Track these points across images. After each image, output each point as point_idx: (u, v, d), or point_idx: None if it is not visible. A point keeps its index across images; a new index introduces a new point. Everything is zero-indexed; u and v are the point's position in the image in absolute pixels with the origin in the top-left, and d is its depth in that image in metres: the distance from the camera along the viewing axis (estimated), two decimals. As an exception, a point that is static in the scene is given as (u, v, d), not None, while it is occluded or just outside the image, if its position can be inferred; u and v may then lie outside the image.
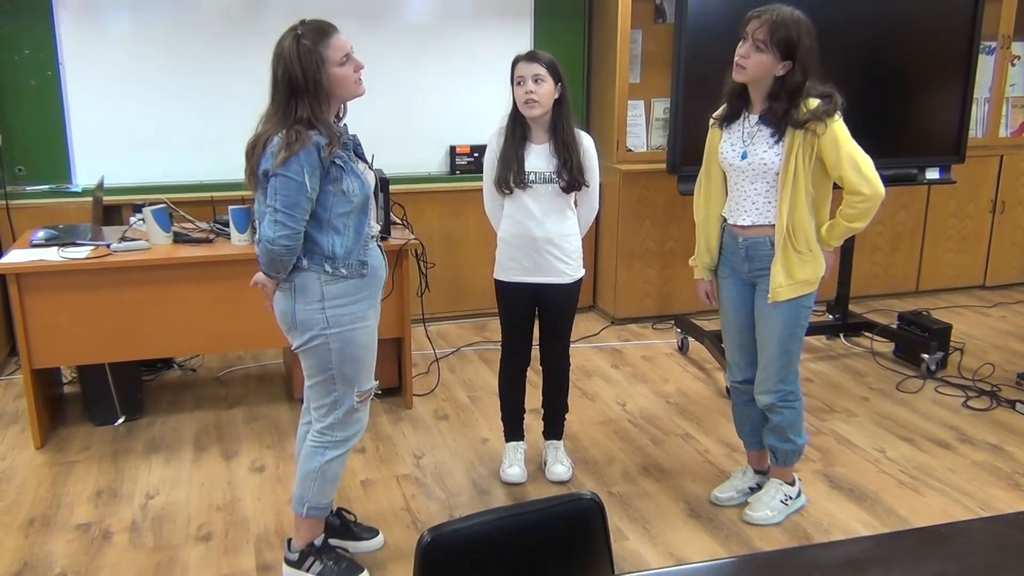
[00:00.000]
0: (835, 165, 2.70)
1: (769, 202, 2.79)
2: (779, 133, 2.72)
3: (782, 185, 2.73)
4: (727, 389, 4.00)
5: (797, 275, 2.78)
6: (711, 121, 2.95)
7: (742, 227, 2.86)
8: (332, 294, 2.47)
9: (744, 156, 2.79)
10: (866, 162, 2.70)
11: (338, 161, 2.39)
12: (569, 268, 3.12)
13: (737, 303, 2.97)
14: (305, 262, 2.45)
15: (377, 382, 2.69)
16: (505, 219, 3.13)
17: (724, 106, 2.89)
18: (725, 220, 2.93)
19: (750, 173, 2.80)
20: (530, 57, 2.94)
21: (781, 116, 2.70)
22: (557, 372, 3.29)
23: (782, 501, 3.05)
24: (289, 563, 2.69)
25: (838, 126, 2.68)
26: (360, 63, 2.44)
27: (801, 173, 2.71)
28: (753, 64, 2.68)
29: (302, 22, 2.38)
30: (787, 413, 2.94)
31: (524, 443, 3.39)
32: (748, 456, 3.22)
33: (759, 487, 3.14)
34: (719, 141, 2.89)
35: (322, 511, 2.66)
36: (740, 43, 2.70)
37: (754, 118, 2.79)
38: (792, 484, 3.09)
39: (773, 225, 2.79)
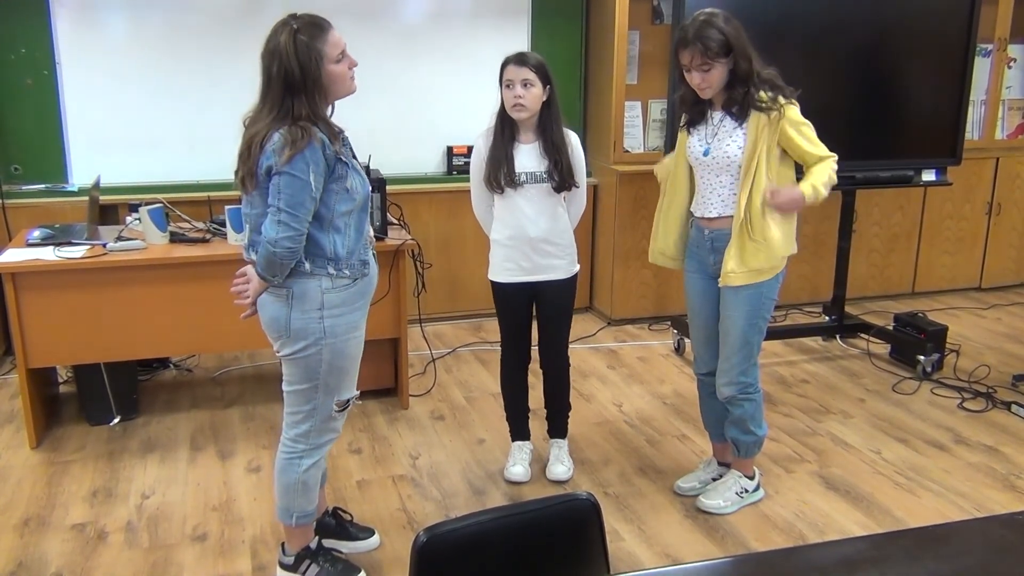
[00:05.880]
0: (799, 144, 2.80)
1: (734, 195, 2.88)
2: (742, 118, 2.82)
3: (745, 172, 2.81)
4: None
5: (750, 263, 2.85)
6: (680, 126, 3.05)
7: (709, 219, 2.94)
8: (332, 303, 2.41)
9: (707, 152, 2.89)
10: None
11: (343, 158, 2.35)
12: (565, 264, 3.14)
13: (703, 297, 3.05)
14: (308, 265, 2.38)
15: (358, 392, 2.64)
16: (498, 221, 3.13)
17: (686, 115, 2.98)
18: (693, 215, 3.02)
19: (714, 167, 2.89)
20: (519, 60, 2.94)
21: (742, 99, 2.80)
22: (557, 370, 3.29)
23: (737, 493, 3.12)
24: (284, 567, 2.66)
25: (794, 110, 2.79)
26: (354, 60, 2.40)
27: (763, 158, 2.79)
28: (712, 82, 2.79)
29: (294, 16, 2.32)
30: (747, 405, 3.01)
31: (530, 443, 3.39)
32: (713, 448, 3.30)
33: (721, 479, 3.19)
34: (686, 140, 2.99)
35: (311, 516, 2.62)
36: (687, 74, 2.81)
37: (717, 115, 2.88)
38: (751, 478, 3.16)
39: None
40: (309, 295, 2.40)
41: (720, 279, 2.90)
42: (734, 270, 2.86)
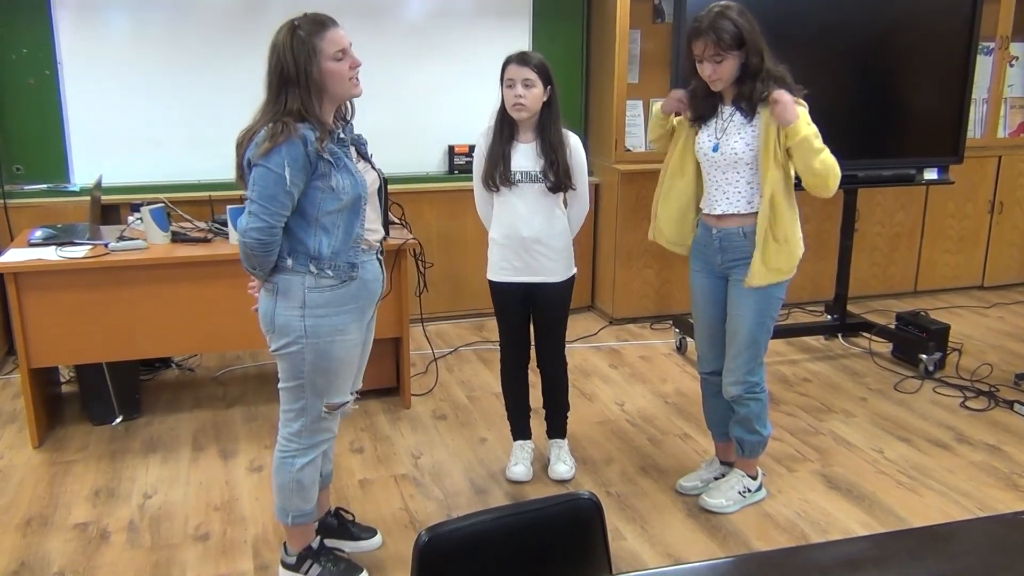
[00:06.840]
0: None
1: (740, 192, 2.87)
2: (752, 113, 2.82)
3: (764, 169, 2.80)
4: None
5: (771, 262, 2.86)
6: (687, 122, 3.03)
7: (716, 216, 2.93)
8: (314, 302, 2.40)
9: (716, 148, 2.88)
10: None
11: (327, 156, 2.32)
12: (559, 267, 3.13)
13: (709, 296, 3.04)
14: (290, 261, 2.38)
15: (353, 397, 2.62)
16: (495, 219, 3.14)
17: (696, 110, 2.95)
18: (700, 211, 3.01)
19: (722, 164, 2.88)
20: (521, 60, 2.94)
21: (751, 93, 2.79)
22: (553, 371, 3.29)
23: (740, 492, 3.12)
24: (287, 566, 2.66)
25: (802, 111, 2.77)
26: (357, 61, 2.39)
27: (780, 153, 2.78)
28: (723, 74, 2.78)
29: (304, 14, 2.35)
30: (753, 405, 3.01)
31: (531, 442, 3.39)
32: (715, 447, 3.30)
33: (723, 477, 3.18)
34: (695, 135, 2.97)
35: (309, 516, 2.62)
36: (699, 65, 2.80)
37: (727, 109, 2.88)
38: (754, 477, 3.16)
39: (746, 215, 2.87)
40: (292, 291, 2.40)
41: (745, 280, 2.88)
42: (758, 270, 2.85)
